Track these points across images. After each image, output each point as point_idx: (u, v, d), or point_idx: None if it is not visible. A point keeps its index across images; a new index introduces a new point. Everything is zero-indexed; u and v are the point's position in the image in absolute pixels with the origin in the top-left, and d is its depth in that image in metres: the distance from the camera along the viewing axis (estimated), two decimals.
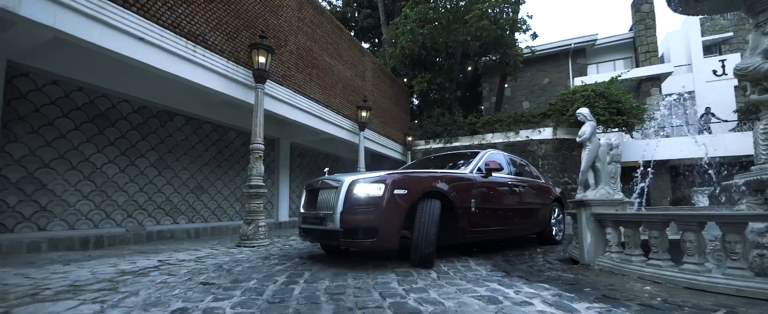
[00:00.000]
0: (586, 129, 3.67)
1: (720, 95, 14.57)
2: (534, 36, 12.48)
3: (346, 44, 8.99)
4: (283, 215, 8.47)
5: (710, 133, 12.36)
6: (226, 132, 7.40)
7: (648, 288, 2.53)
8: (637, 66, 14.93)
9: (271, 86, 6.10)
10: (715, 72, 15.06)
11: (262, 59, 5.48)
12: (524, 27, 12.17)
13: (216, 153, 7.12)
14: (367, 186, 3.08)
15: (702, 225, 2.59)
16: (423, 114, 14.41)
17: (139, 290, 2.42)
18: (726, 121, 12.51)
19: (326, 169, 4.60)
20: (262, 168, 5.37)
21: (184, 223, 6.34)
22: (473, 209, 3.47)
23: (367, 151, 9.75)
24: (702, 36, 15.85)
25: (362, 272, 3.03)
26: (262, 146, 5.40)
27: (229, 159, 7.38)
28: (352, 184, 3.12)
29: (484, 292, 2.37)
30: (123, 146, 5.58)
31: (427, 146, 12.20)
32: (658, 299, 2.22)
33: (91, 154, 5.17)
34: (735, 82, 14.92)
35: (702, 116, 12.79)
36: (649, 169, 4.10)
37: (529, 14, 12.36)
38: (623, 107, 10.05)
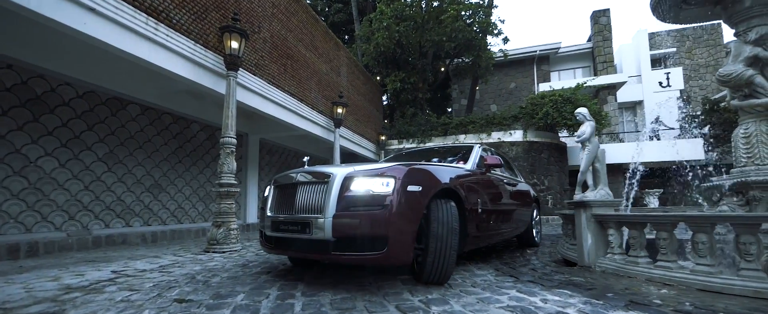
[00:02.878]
0: (585, 129, 3.62)
1: (665, 104, 15.87)
2: (505, 40, 12.78)
3: (322, 36, 8.55)
4: (252, 216, 7.85)
5: (659, 139, 13.37)
6: (189, 124, 6.69)
7: (665, 291, 2.46)
8: (595, 75, 15.84)
9: (243, 75, 5.56)
10: (660, 83, 16.38)
11: (234, 44, 4.96)
12: (496, 31, 12.41)
13: (176, 147, 6.40)
14: (371, 180, 2.38)
15: (714, 226, 2.57)
16: (395, 113, 14.25)
17: (96, 312, 1.93)
18: (672, 128, 13.60)
19: (306, 159, 4.05)
20: (234, 164, 4.84)
21: (138, 226, 5.59)
22: (479, 210, 3.11)
23: (341, 149, 9.35)
24: (650, 50, 17.19)
25: (364, 280, 2.71)
26: (234, 140, 4.86)
27: (191, 155, 6.67)
28: (348, 179, 2.41)
29: (509, 302, 2.16)
30: (64, 136, 4.78)
31: (401, 146, 12.03)
32: (687, 304, 2.13)
33: (22, 145, 4.36)
34: (677, 93, 16.34)
35: (652, 124, 13.81)
36: (639, 171, 4.18)
37: (501, 19, 12.57)
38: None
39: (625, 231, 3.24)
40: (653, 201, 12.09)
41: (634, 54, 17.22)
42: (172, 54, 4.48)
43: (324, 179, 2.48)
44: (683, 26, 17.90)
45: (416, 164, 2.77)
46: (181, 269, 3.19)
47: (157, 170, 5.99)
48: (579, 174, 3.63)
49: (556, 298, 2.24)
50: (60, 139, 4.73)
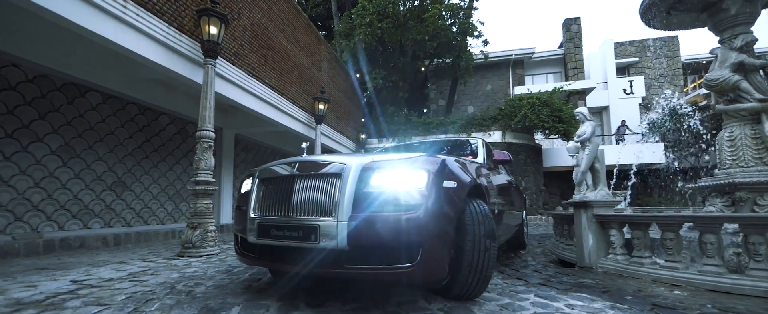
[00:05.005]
0: (586, 128, 3.60)
1: (628, 111, 16.79)
2: (485, 42, 12.93)
3: (303, 28, 8.19)
4: (226, 217, 7.35)
5: (624, 143, 14.06)
6: (157, 116, 6.13)
7: (677, 292, 2.42)
8: (566, 80, 16.46)
9: (221, 64, 5.14)
10: (625, 90, 17.29)
11: (213, 29, 4.55)
12: (476, 32, 12.52)
13: (143, 141, 5.83)
14: (398, 173, 1.89)
15: (720, 227, 2.58)
16: (373, 112, 14.04)
17: None
18: (636, 133, 14.35)
19: (305, 145, 3.63)
20: (212, 160, 4.43)
21: (98, 228, 5.01)
22: (495, 210, 2.78)
23: (321, 147, 9.02)
24: (615, 58, 18.11)
25: (367, 287, 2.48)
26: (213, 134, 4.46)
27: (159, 150, 6.11)
28: (366, 170, 1.91)
29: (534, 309, 2.02)
30: (10, 126, 4.17)
31: (381, 144, 11.84)
32: (709, 305, 2.09)
33: None
34: (640, 100, 17.29)
35: (618, 128, 14.51)
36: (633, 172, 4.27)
37: (481, 21, 12.72)
38: (563, 116, 10.85)
39: (626, 231, 3.23)
40: (622, 202, 12.69)
41: (601, 62, 18.07)
42: (142, 36, 4.02)
43: (334, 171, 1.94)
44: (645, 37, 18.96)
45: (444, 157, 2.25)
46: (156, 277, 2.81)
47: (120, 166, 5.41)
48: (579, 174, 3.60)
49: (580, 303, 2.13)
50: (5, 129, 4.12)
